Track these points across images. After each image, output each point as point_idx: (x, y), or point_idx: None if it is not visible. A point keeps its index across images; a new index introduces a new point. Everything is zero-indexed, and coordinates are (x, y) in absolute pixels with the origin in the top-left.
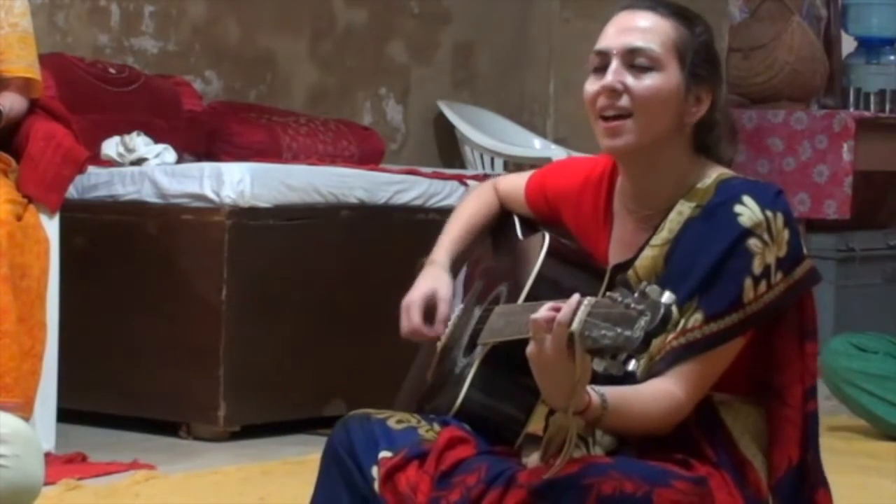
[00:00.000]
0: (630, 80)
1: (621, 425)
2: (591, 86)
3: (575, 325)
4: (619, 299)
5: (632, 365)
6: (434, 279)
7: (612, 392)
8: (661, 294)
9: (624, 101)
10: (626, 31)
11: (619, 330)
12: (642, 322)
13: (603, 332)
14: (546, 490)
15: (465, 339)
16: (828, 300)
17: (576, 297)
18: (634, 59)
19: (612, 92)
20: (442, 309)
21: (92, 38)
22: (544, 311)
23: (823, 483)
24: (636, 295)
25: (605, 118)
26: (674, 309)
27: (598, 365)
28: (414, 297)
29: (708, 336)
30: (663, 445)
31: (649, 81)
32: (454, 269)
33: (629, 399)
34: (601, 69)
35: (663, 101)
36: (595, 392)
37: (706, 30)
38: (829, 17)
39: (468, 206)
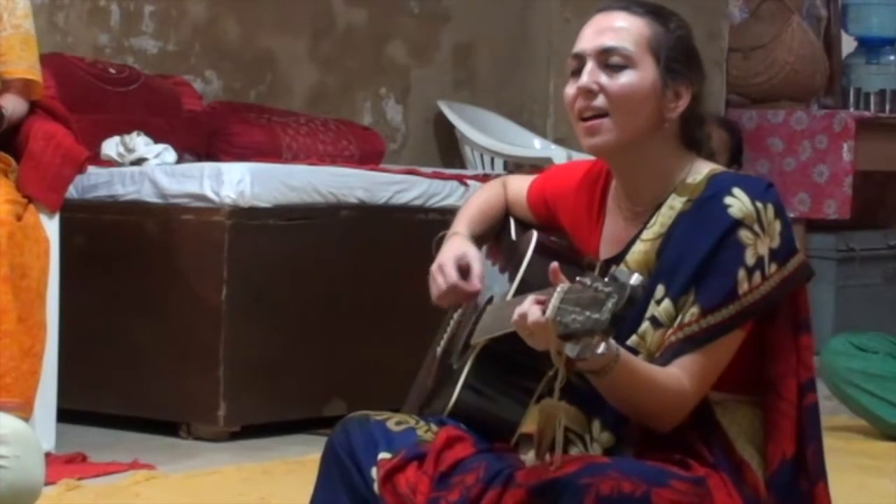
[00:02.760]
0: (604, 79)
1: (627, 386)
2: (570, 89)
3: (548, 313)
4: (589, 283)
5: (601, 348)
6: (461, 245)
7: (624, 351)
8: (629, 276)
9: (600, 100)
10: (600, 33)
11: (587, 313)
12: (609, 304)
13: (573, 316)
14: (544, 489)
15: (461, 340)
16: (828, 300)
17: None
18: (608, 59)
19: (588, 93)
20: (476, 267)
21: (92, 38)
22: (527, 304)
23: (823, 477)
24: (606, 279)
25: (584, 118)
26: (640, 290)
27: (571, 350)
28: (445, 258)
29: (706, 329)
30: (660, 446)
31: (624, 79)
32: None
33: (640, 362)
34: (579, 72)
35: (639, 98)
36: (612, 343)
37: (681, 25)
38: (829, 17)
39: (482, 194)
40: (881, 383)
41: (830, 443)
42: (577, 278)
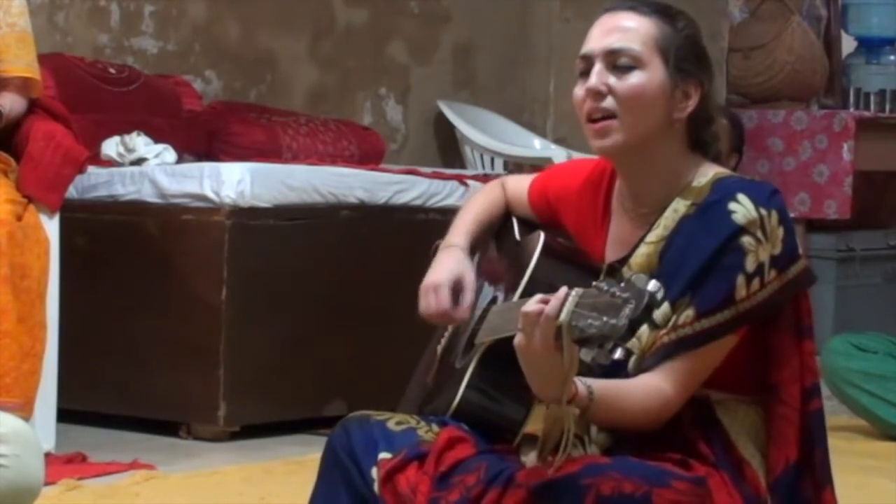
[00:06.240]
0: (613, 80)
1: (608, 418)
2: (578, 90)
3: (563, 317)
4: (605, 288)
5: (618, 353)
6: (458, 262)
7: (599, 384)
8: (646, 282)
9: (608, 102)
10: (607, 33)
11: (604, 319)
12: (627, 310)
13: (589, 321)
14: (545, 490)
15: (464, 339)
16: (828, 300)
17: (563, 289)
18: (617, 60)
19: (597, 94)
20: (468, 296)
21: (92, 38)
22: (533, 303)
23: (829, 482)
24: (622, 284)
25: (593, 120)
26: (658, 296)
27: (586, 355)
28: (441, 278)
29: (699, 332)
30: (660, 445)
31: (633, 80)
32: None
33: (616, 391)
34: (587, 73)
35: (648, 98)
36: (581, 383)
37: (689, 24)
38: (829, 17)
39: (478, 200)
40: (881, 383)
41: (830, 443)
42: (593, 283)
